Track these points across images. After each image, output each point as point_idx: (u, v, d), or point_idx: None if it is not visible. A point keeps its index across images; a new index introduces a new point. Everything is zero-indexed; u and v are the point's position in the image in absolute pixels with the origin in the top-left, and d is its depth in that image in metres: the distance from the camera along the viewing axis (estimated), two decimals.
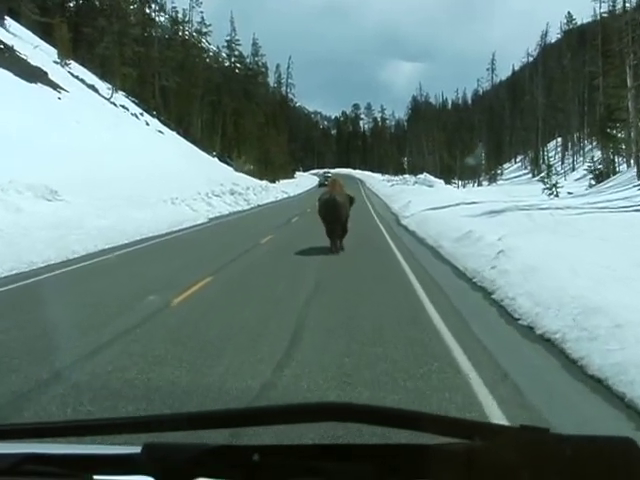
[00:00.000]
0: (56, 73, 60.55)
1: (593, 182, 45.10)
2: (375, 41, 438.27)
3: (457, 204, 30.80)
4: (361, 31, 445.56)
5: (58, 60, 68.75)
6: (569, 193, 37.89)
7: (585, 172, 40.45)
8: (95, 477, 1.25)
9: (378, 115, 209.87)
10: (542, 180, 39.35)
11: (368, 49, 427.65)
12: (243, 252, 17.75)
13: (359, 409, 1.20)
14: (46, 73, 56.87)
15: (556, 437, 1.04)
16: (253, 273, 13.78)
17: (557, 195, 36.84)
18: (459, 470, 1.05)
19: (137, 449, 1.20)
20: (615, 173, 45.91)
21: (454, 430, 1.11)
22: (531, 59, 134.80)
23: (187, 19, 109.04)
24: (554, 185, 38.05)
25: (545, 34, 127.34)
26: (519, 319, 8.77)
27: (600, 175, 45.52)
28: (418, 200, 37.82)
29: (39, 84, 53.61)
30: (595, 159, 50.96)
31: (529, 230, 16.80)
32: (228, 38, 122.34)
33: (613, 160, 49.53)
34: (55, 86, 55.91)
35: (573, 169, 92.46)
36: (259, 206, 49.82)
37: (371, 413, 1.21)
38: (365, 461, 1.13)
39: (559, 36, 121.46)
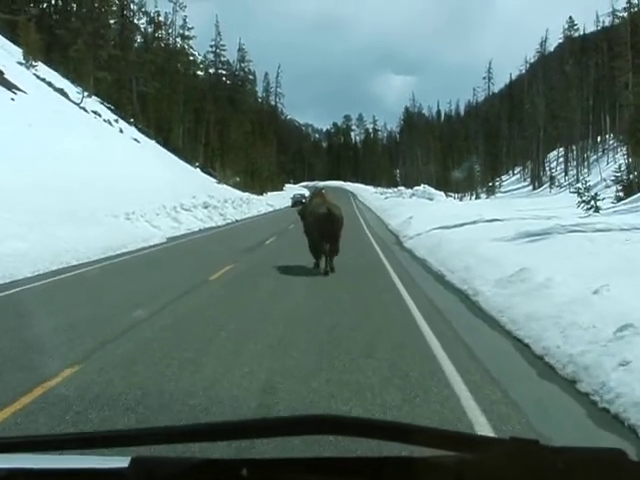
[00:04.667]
0: (17, 74, 55.16)
1: (621, 194, 38.95)
2: (367, 55, 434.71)
3: (474, 222, 24.44)
4: (353, 45, 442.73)
5: (23, 61, 63.34)
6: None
7: (586, 186, 33.86)
8: None
9: (370, 126, 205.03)
10: (577, 192, 32.96)
11: (360, 63, 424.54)
12: (172, 300, 11.56)
13: (348, 422, 1.18)
14: (1, 72, 51.16)
15: (546, 449, 1.02)
16: (161, 356, 7.55)
17: (597, 210, 30.60)
18: None
19: (125, 462, 1.15)
20: None
21: (443, 442, 1.08)
22: (529, 67, 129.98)
23: (169, 22, 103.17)
24: (593, 198, 31.72)
25: (545, 40, 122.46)
26: None
27: (629, 186, 39.35)
28: (420, 216, 31.68)
29: None
30: (622, 168, 44.75)
31: (624, 270, 10.47)
32: (213, 43, 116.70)
33: None
34: (10, 86, 50.24)
35: (577, 181, 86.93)
36: (237, 221, 43.96)
37: (360, 426, 1.17)
38: (354, 474, 1.11)
39: (560, 41, 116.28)
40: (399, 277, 14.70)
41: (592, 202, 31.48)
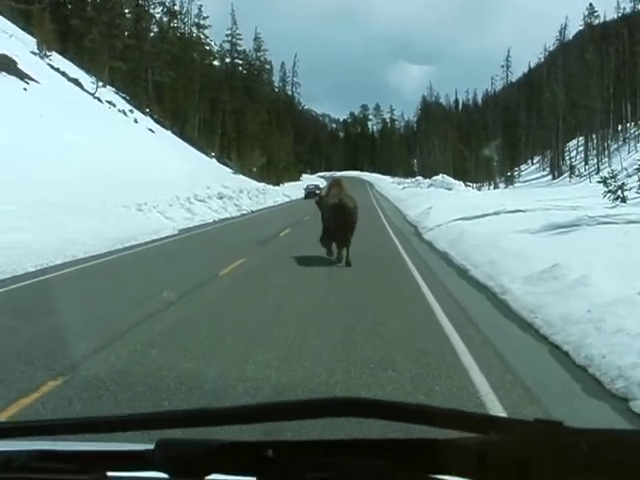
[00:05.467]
0: (31, 64, 54.62)
1: None
2: (384, 44, 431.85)
3: (496, 212, 23.49)
4: (370, 34, 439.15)
5: (37, 51, 62.86)
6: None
7: (613, 174, 32.40)
8: (108, 474, 1.24)
9: (387, 116, 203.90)
10: (603, 181, 31.69)
11: (377, 52, 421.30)
12: (178, 297, 10.78)
13: (371, 404, 1.17)
14: (14, 62, 50.51)
15: (571, 431, 1.00)
16: (158, 367, 6.76)
17: (624, 200, 29.43)
18: (473, 464, 1.01)
19: (150, 445, 1.15)
20: None
21: (467, 424, 1.07)
22: (549, 56, 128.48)
23: (185, 11, 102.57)
24: (620, 187, 30.48)
25: (564, 28, 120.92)
26: None
27: None
28: (439, 206, 30.73)
29: (3, 73, 47.29)
30: None
31: None
32: (229, 32, 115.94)
33: None
34: (23, 76, 49.70)
35: (598, 170, 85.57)
36: (252, 212, 43.14)
37: (383, 408, 1.17)
38: (378, 456, 1.11)
39: (581, 28, 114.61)
40: (419, 271, 13.88)
41: (619, 192, 30.30)
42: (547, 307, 8.51)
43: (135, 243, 20.94)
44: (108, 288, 12.32)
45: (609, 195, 30.50)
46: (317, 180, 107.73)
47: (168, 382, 6.14)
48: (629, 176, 45.17)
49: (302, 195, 70.40)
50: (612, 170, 33.22)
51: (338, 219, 15.25)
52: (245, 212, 42.60)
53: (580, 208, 23.91)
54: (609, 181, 31.39)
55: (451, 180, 60.36)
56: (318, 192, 63.56)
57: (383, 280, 12.74)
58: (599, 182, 33.02)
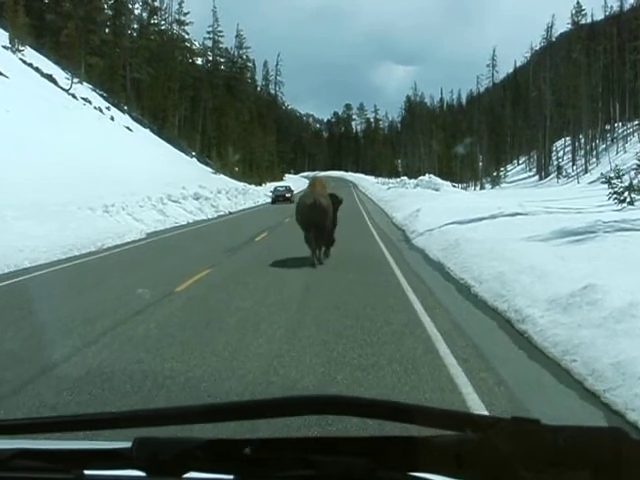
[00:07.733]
0: (1, 58, 52.35)
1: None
2: (368, 45, 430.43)
3: (493, 216, 21.33)
4: (354, 35, 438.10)
5: (9, 45, 60.68)
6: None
7: (619, 174, 30.17)
8: (86, 472, 1.23)
9: (371, 116, 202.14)
10: (607, 181, 29.47)
11: (361, 53, 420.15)
12: (114, 325, 8.66)
13: (351, 402, 1.19)
14: None
15: (548, 428, 1.02)
16: None
17: (632, 203, 27.29)
18: (451, 462, 1.03)
19: (128, 444, 1.15)
20: None
21: (446, 422, 1.09)
22: (534, 55, 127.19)
23: (165, 7, 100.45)
24: (628, 189, 28.27)
25: (551, 27, 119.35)
26: None
27: None
28: (428, 208, 28.60)
29: None
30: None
31: None
32: (210, 29, 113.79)
33: None
34: None
35: (586, 171, 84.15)
36: (230, 213, 41.22)
37: (362, 406, 1.19)
38: (357, 453, 1.11)
39: (568, 26, 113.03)
40: (412, 287, 11.71)
41: (625, 194, 28.08)
42: (588, 347, 6.40)
43: (94, 249, 19.00)
44: (36, 309, 10.14)
45: (614, 197, 28.36)
46: (300, 180, 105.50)
47: None
48: (618, 177, 43.43)
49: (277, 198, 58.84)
50: (618, 169, 30.81)
51: (309, 219, 15.03)
52: (223, 213, 40.72)
53: (584, 210, 21.89)
54: (614, 182, 29.16)
55: (438, 180, 58.12)
56: (289, 195, 56.54)
57: (370, 300, 10.54)
58: (603, 182, 30.69)
